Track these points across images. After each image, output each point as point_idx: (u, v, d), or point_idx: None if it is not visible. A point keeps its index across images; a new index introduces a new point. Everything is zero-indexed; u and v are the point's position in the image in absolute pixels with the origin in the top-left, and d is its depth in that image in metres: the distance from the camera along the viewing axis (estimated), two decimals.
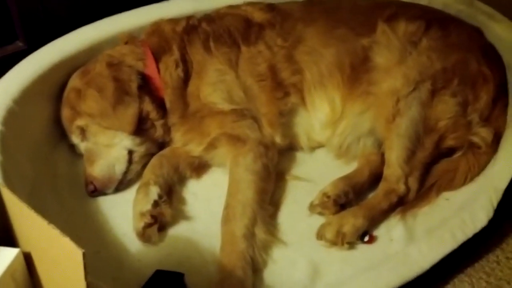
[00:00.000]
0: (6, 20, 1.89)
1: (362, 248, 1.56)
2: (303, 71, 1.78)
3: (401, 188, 1.64)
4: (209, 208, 1.68)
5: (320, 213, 1.64)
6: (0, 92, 1.64)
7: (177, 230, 1.61)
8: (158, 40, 1.80)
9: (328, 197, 1.63)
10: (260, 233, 1.52)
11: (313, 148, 1.86)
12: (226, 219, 1.54)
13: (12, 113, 1.60)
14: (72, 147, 1.77)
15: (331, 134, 1.80)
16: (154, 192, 1.60)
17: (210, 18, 1.87)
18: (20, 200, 1.04)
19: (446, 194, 1.69)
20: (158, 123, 1.73)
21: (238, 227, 1.51)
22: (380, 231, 1.61)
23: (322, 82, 1.78)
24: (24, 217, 1.04)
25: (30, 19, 1.90)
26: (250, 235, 1.50)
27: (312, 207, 1.65)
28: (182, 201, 1.71)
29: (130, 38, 1.84)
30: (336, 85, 1.77)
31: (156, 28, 1.84)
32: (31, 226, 1.03)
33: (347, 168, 1.80)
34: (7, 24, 1.90)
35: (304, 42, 1.80)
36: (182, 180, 1.76)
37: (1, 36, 1.92)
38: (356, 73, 1.77)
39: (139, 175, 1.71)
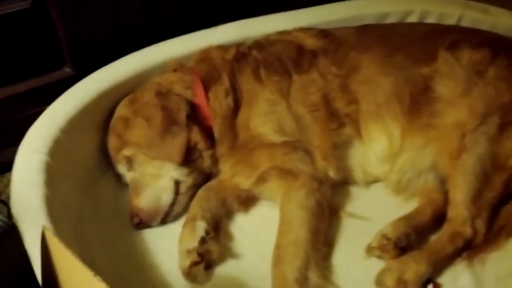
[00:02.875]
0: (54, 46, 1.87)
1: None
2: (358, 101, 1.68)
3: (468, 231, 1.51)
4: (257, 245, 1.59)
5: (379, 257, 1.52)
6: (47, 121, 1.60)
7: (224, 269, 1.53)
8: (207, 68, 1.74)
9: (388, 239, 1.51)
10: (313, 277, 1.42)
11: (368, 183, 1.74)
12: (277, 260, 1.44)
13: (59, 143, 1.56)
14: (118, 177, 1.72)
15: (389, 168, 1.68)
16: (201, 228, 1.52)
17: (260, 45, 1.80)
18: (65, 246, 0.98)
19: None
20: (206, 154, 1.66)
21: (290, 270, 1.41)
22: (445, 279, 1.48)
23: (379, 112, 1.67)
24: (69, 266, 0.97)
25: (78, 44, 1.88)
26: (303, 279, 1.40)
27: (369, 250, 1.53)
28: (229, 237, 1.62)
29: (178, 66, 1.79)
30: (394, 116, 1.66)
31: (205, 56, 1.78)
32: (76, 276, 0.96)
33: (405, 205, 1.68)
34: (55, 50, 1.88)
35: (359, 70, 1.70)
36: (229, 214, 1.68)
37: (49, 62, 1.90)
38: (416, 104, 1.66)
39: (186, 207, 1.64)
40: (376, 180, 1.75)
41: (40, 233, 1.13)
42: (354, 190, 1.74)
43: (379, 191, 1.74)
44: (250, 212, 1.69)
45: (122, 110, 1.69)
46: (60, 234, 1.31)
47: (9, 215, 1.31)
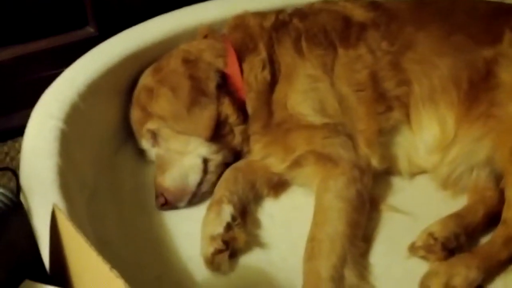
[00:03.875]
0: (77, 2, 1.72)
1: None
2: (410, 82, 1.50)
3: None
4: (287, 234, 1.45)
5: (423, 257, 1.36)
6: (64, 84, 1.46)
7: (250, 259, 1.39)
8: (242, 36, 1.57)
9: (435, 239, 1.35)
10: (350, 276, 1.28)
11: (413, 174, 1.57)
12: (311, 255, 1.30)
13: (77, 110, 1.42)
14: (139, 151, 1.58)
15: (438, 160, 1.51)
16: (227, 212, 1.39)
17: (303, 13, 1.62)
18: (78, 231, 0.83)
19: None
20: (237, 129, 1.52)
21: (325, 267, 1.27)
22: (496, 286, 1.32)
23: (432, 97, 1.50)
24: (81, 253, 0.83)
25: (103, 2, 1.73)
26: (338, 278, 1.26)
27: (413, 249, 1.37)
28: (257, 224, 1.48)
29: (210, 32, 1.63)
30: (449, 103, 1.49)
31: (240, 22, 1.62)
32: (89, 266, 0.82)
33: (453, 202, 1.51)
34: (77, 8, 1.73)
35: (414, 48, 1.52)
36: (257, 199, 1.53)
37: (70, 20, 1.76)
38: (475, 90, 1.48)
39: (213, 187, 1.50)
40: (421, 172, 1.58)
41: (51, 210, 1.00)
42: (397, 182, 1.57)
43: (424, 184, 1.57)
44: (280, 198, 1.55)
45: (146, 79, 1.55)
46: (73, 211, 1.19)
47: (18, 187, 1.18)
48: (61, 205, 1.14)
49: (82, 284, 0.89)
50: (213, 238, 1.34)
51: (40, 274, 0.92)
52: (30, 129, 1.37)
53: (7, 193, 0.86)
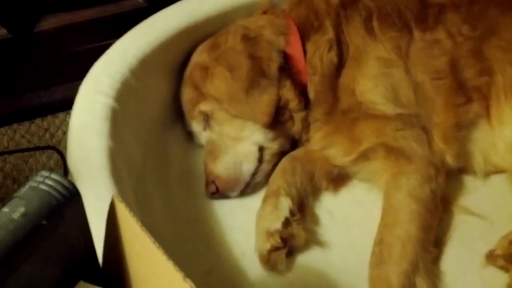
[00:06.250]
0: None
1: None
2: (493, 71, 1.35)
3: None
4: (348, 234, 1.33)
5: (502, 268, 1.22)
6: (115, 57, 1.33)
7: (308, 258, 1.27)
8: (306, 12, 1.43)
9: None
10: (422, 284, 1.16)
11: (487, 174, 1.42)
12: (380, 259, 1.18)
13: (128, 87, 1.30)
14: (186, 134, 1.47)
15: None
16: (285, 206, 1.27)
17: None
18: (143, 229, 0.72)
19: None
20: (298, 116, 1.39)
21: (395, 273, 1.14)
22: None
23: None
24: (144, 256, 0.73)
25: None
26: (409, 286, 1.14)
27: (491, 257, 1.24)
28: (315, 220, 1.36)
29: (270, 7, 1.49)
30: None
31: None
32: (153, 271, 0.71)
33: None
34: None
35: (498, 33, 1.36)
36: (315, 193, 1.40)
37: None
38: None
39: (267, 177, 1.38)
40: (497, 171, 1.43)
41: (102, 197, 0.90)
42: (469, 181, 1.42)
43: (498, 185, 1.41)
44: (339, 193, 1.41)
45: (200, 56, 1.42)
46: (123, 198, 1.06)
47: (65, 171, 1.07)
48: (112, 192, 1.03)
49: (142, 283, 0.78)
50: (270, 233, 1.22)
51: (93, 274, 0.82)
52: (78, 106, 1.25)
53: (64, 181, 0.75)
